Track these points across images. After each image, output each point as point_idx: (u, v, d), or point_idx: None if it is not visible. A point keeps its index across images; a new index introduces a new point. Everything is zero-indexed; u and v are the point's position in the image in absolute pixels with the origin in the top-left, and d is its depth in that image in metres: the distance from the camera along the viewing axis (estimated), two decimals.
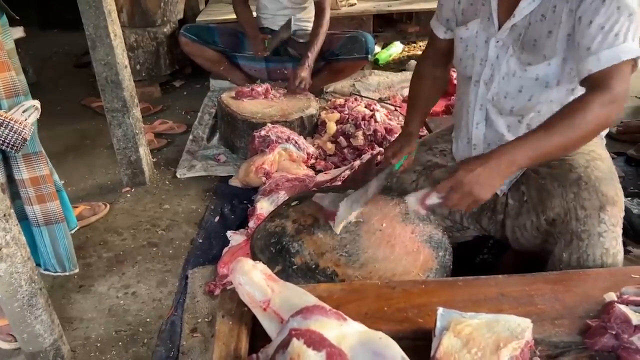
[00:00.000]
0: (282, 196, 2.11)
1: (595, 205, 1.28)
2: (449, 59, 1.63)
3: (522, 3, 1.31)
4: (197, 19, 3.87)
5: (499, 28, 1.38)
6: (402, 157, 1.60)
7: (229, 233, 2.05)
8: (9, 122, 1.40)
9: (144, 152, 2.51)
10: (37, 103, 1.53)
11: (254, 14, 3.33)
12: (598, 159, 1.36)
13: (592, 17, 1.19)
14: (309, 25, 3.24)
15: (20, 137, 1.42)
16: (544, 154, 1.22)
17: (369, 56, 3.24)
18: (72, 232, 1.88)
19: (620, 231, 1.31)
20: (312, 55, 2.99)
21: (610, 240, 1.29)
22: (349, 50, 3.15)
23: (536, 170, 1.43)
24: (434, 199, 1.29)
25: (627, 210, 1.94)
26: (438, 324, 0.97)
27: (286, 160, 2.43)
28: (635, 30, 1.19)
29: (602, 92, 1.19)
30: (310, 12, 3.22)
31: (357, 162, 2.37)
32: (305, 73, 2.93)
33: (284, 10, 3.18)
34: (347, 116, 2.80)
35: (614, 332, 1.01)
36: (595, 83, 1.21)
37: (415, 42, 4.37)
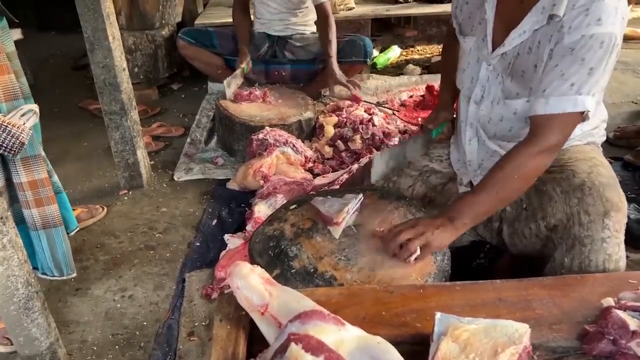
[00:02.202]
0: (280, 199, 2.11)
1: (599, 210, 1.28)
2: None
3: (512, 34, 1.32)
4: (195, 22, 3.87)
5: (492, 52, 1.39)
6: (438, 124, 1.62)
7: (226, 236, 2.04)
8: (6, 126, 1.40)
9: (141, 154, 2.51)
10: (35, 107, 1.53)
11: (252, 17, 3.34)
12: (600, 165, 1.36)
13: (558, 61, 1.23)
14: (306, 29, 3.25)
15: (18, 141, 1.41)
16: (484, 211, 1.34)
17: (368, 60, 3.26)
18: (72, 233, 1.88)
19: (623, 237, 1.31)
20: (333, 53, 2.99)
21: (613, 247, 1.29)
22: (348, 54, 3.16)
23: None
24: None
25: None
26: (436, 329, 0.97)
27: (284, 163, 2.43)
28: (593, 85, 1.21)
29: (533, 141, 1.27)
30: (306, 16, 3.23)
31: (355, 166, 2.37)
32: (339, 77, 2.94)
33: (280, 14, 3.19)
34: (345, 120, 2.81)
35: (611, 338, 1.01)
36: (534, 127, 1.28)
37: (413, 46, 4.38)
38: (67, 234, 1.81)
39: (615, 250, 1.29)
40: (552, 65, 1.24)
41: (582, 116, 1.25)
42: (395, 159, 1.59)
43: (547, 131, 1.26)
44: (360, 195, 1.53)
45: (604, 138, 1.54)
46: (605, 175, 1.33)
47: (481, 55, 1.42)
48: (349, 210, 1.45)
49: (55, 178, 1.77)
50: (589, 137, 1.47)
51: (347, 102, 3.06)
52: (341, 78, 2.93)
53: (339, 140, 2.67)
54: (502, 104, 1.40)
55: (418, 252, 1.28)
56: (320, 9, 3.07)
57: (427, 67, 3.89)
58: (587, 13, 1.18)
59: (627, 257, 1.86)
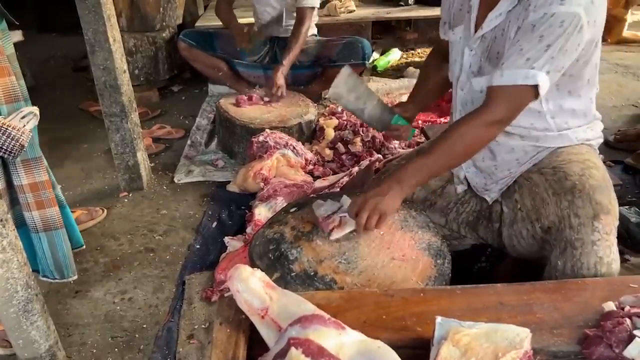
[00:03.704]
0: (280, 202, 2.11)
1: (588, 213, 1.28)
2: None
3: (490, 15, 1.36)
4: (196, 24, 3.88)
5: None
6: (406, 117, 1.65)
7: (226, 239, 2.04)
8: (6, 129, 1.40)
9: (141, 156, 2.51)
10: (35, 109, 1.53)
11: (252, 20, 3.34)
12: (593, 168, 1.36)
13: (520, 37, 1.27)
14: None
15: (18, 143, 1.41)
16: (430, 173, 1.40)
17: (366, 62, 3.25)
18: (78, 250, 1.88)
19: (614, 240, 1.31)
20: (287, 63, 2.94)
21: (604, 249, 1.29)
22: (346, 56, 3.15)
23: (529, 178, 1.44)
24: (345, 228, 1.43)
25: (625, 219, 1.94)
26: (436, 333, 0.97)
27: (284, 166, 2.43)
28: (547, 61, 1.23)
29: (481, 112, 1.30)
30: None
31: (356, 169, 2.36)
32: (280, 81, 2.89)
33: (279, 16, 3.18)
34: (345, 122, 2.81)
35: (611, 343, 1.00)
36: (487, 98, 1.31)
37: (413, 49, 4.38)
38: (73, 250, 1.81)
39: (606, 253, 1.29)
40: (515, 42, 1.27)
41: (534, 92, 1.26)
42: (356, 94, 1.61)
43: (497, 103, 1.28)
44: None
45: (601, 140, 1.53)
46: (597, 177, 1.33)
47: (468, 42, 1.46)
48: (334, 219, 1.45)
49: (59, 191, 1.76)
50: (581, 134, 1.46)
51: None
52: (279, 86, 2.88)
53: (339, 143, 2.66)
54: (469, 84, 1.44)
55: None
56: (298, 12, 3.05)
57: None
58: None
59: (627, 260, 1.87)
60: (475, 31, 1.42)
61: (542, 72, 1.23)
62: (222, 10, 3.22)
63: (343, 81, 1.59)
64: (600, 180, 1.33)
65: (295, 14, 3.17)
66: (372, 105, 1.61)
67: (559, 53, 1.23)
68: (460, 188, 1.63)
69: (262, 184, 2.29)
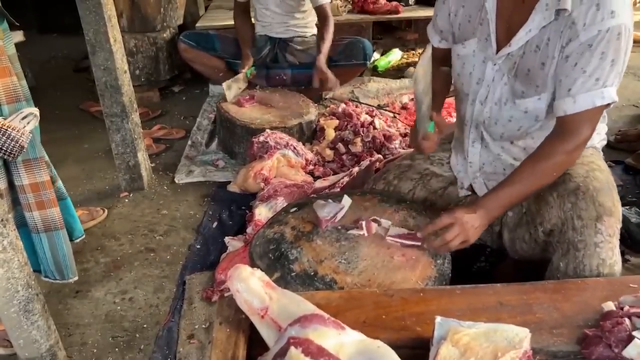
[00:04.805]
0: (280, 202, 2.11)
1: (592, 215, 1.28)
2: (446, 62, 1.63)
3: (520, 33, 1.32)
4: (197, 25, 3.87)
5: (497, 51, 1.38)
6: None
7: (226, 239, 2.04)
8: (6, 130, 1.40)
9: (142, 157, 2.51)
10: (36, 110, 1.53)
11: (253, 20, 3.35)
12: (597, 170, 1.36)
13: (577, 59, 1.24)
14: (307, 32, 3.25)
15: (18, 144, 1.41)
16: (516, 202, 1.36)
17: (367, 62, 3.26)
18: (78, 240, 1.88)
19: (617, 242, 1.31)
20: (322, 56, 2.98)
21: (607, 251, 1.29)
22: (347, 56, 3.16)
23: None
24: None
25: (625, 219, 1.94)
26: (436, 333, 0.97)
27: (285, 166, 2.43)
28: (616, 76, 1.24)
29: (568, 139, 1.28)
30: (307, 18, 3.24)
31: (356, 169, 2.36)
32: (325, 73, 2.93)
33: (280, 17, 3.19)
34: (345, 123, 2.81)
35: (610, 343, 1.00)
36: (565, 126, 1.29)
37: (414, 49, 4.39)
38: (72, 241, 1.81)
39: (609, 255, 1.29)
40: (571, 64, 1.24)
41: (607, 105, 1.27)
42: (425, 82, 1.47)
43: (580, 127, 1.27)
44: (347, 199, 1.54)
45: (605, 142, 1.54)
46: (600, 179, 1.33)
47: (487, 55, 1.41)
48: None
49: (60, 184, 1.77)
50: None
51: (343, 106, 3.08)
52: (327, 73, 2.94)
53: (339, 143, 2.66)
54: (510, 104, 1.40)
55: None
56: (319, 11, 3.07)
57: None
58: (599, 7, 1.19)
59: (627, 260, 1.88)
60: (497, 45, 1.38)
61: (613, 87, 1.24)
62: (238, 19, 3.23)
63: (427, 61, 1.45)
64: (604, 182, 1.33)
65: (295, 15, 3.18)
66: (427, 102, 1.50)
67: (623, 64, 1.24)
68: (463, 193, 1.63)
69: (262, 184, 2.30)
